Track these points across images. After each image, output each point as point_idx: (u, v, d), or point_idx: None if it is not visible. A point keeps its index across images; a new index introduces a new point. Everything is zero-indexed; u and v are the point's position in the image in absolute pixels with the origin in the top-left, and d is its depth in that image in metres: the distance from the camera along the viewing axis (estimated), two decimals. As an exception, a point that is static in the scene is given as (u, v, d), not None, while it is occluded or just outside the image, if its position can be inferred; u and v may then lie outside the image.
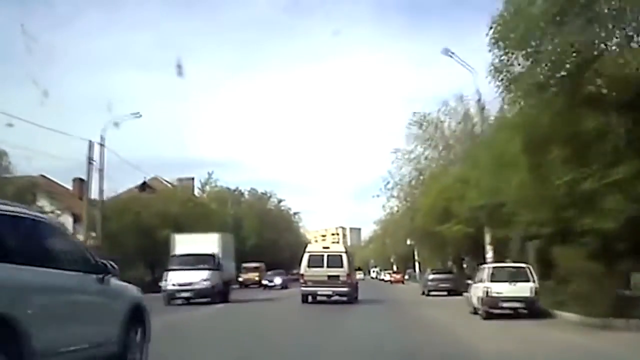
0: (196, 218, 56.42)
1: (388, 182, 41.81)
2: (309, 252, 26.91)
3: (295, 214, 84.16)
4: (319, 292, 25.53)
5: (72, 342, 6.33)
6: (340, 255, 25.90)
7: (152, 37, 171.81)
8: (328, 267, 25.27)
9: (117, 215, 41.32)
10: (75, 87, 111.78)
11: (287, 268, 64.22)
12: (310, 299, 25.64)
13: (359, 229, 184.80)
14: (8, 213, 5.95)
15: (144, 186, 57.44)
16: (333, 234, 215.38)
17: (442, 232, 32.78)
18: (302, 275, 25.87)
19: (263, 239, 71.77)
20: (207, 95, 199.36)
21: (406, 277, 74.94)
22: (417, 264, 70.96)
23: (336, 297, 25.56)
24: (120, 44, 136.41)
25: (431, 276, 34.56)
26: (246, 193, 78.50)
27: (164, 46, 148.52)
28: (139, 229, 44.47)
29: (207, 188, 60.45)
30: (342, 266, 25.35)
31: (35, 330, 5.53)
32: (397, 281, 71.98)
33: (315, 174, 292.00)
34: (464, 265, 40.60)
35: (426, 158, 39.62)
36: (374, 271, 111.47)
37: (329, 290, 25.42)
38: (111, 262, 7.62)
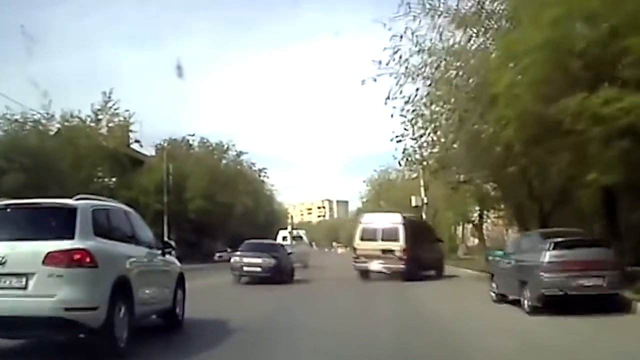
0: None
1: (397, 50, 17.53)
2: (363, 222, 24.08)
3: (261, 170, 60.77)
4: (371, 268, 22.42)
5: (152, 298, 8.77)
6: (397, 227, 22.38)
7: (140, 11, 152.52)
8: (383, 240, 22.25)
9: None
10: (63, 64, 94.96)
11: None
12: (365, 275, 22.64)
13: (346, 202, 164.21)
14: (116, 208, 8.71)
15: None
16: (319, 207, 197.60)
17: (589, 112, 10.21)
18: (355, 249, 23.66)
19: (215, 203, 49.29)
20: (192, 71, 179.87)
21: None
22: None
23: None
24: (107, 20, 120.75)
25: (552, 253, 11.28)
26: (196, 144, 55.31)
27: (153, 21, 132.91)
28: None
29: (104, 117, 36.60)
30: (398, 239, 22.01)
31: (136, 287, 7.85)
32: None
33: (303, 150, 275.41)
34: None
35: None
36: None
37: (382, 267, 22.12)
38: (170, 241, 10.99)
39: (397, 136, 19.54)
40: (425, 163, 20.51)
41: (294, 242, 40.42)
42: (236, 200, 52.66)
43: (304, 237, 45.90)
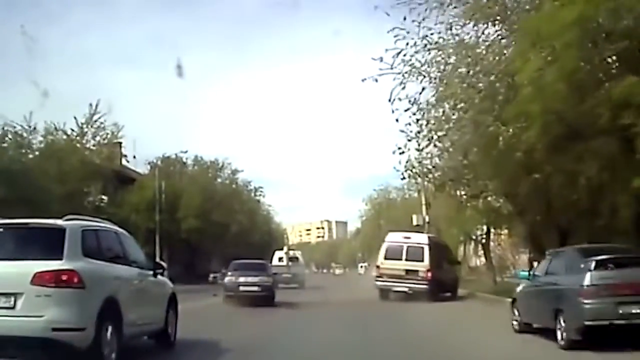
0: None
1: (400, 51, 15.41)
2: (388, 241, 23.40)
3: (257, 189, 58.56)
4: (394, 289, 21.88)
5: (142, 319, 8.54)
6: (422, 247, 22.17)
7: (142, 29, 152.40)
8: (407, 259, 21.87)
9: None
10: (65, 84, 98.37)
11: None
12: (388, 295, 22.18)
13: (345, 222, 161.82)
14: (107, 228, 8.59)
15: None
16: (318, 228, 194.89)
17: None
18: (378, 267, 22.98)
19: (209, 223, 47.36)
20: (191, 91, 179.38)
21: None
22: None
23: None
24: (106, 39, 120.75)
25: (595, 274, 8.87)
26: (190, 162, 53.47)
27: (154, 41, 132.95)
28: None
29: (90, 131, 34.56)
30: (422, 260, 21.72)
31: (125, 308, 7.66)
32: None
33: (303, 171, 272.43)
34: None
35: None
36: (362, 267, 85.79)
37: (405, 287, 21.53)
38: (161, 262, 10.95)
39: (399, 148, 17.53)
40: (430, 176, 18.38)
41: (290, 263, 39.30)
42: (231, 219, 50.64)
43: (300, 258, 44.75)
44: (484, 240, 29.16)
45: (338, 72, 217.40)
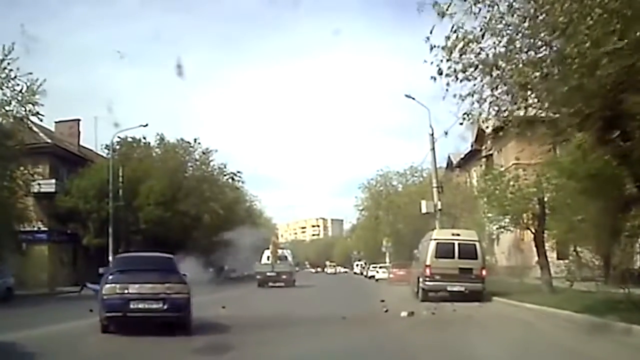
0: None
1: None
2: (436, 239, 21.64)
3: (235, 174, 48.67)
4: (448, 288, 20.20)
5: None
6: (474, 245, 20.87)
7: (141, 26, 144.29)
8: (460, 258, 20.45)
9: None
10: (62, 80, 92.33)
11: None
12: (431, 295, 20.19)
13: (341, 221, 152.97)
14: None
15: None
16: (314, 226, 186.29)
17: None
18: (428, 266, 20.78)
19: (174, 212, 39.33)
20: (189, 88, 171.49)
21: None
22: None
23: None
24: (105, 36, 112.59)
25: None
26: (155, 143, 44.62)
27: (153, 38, 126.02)
28: None
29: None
30: (476, 257, 20.55)
31: None
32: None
33: (300, 170, 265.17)
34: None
35: None
36: (357, 265, 76.87)
37: (460, 286, 19.94)
38: None
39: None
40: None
41: (278, 262, 36.71)
42: (203, 209, 41.52)
43: (289, 257, 40.14)
44: (533, 228, 19.87)
45: (336, 71, 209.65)
